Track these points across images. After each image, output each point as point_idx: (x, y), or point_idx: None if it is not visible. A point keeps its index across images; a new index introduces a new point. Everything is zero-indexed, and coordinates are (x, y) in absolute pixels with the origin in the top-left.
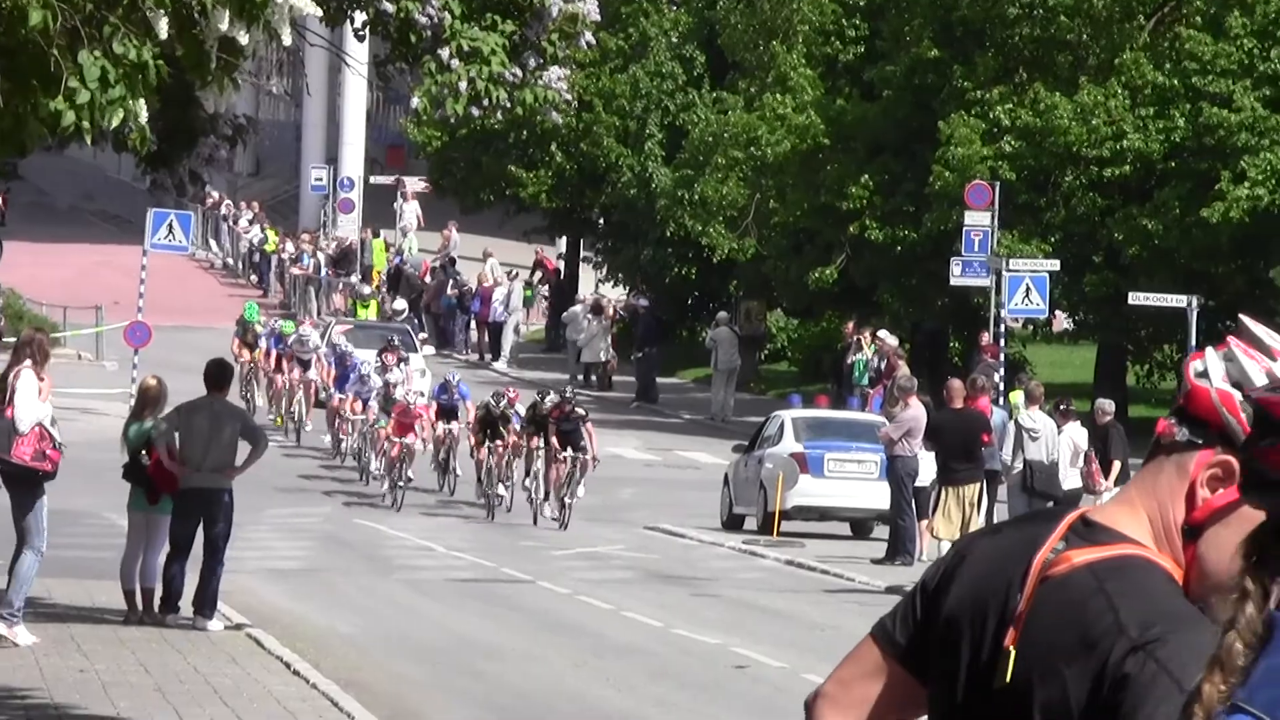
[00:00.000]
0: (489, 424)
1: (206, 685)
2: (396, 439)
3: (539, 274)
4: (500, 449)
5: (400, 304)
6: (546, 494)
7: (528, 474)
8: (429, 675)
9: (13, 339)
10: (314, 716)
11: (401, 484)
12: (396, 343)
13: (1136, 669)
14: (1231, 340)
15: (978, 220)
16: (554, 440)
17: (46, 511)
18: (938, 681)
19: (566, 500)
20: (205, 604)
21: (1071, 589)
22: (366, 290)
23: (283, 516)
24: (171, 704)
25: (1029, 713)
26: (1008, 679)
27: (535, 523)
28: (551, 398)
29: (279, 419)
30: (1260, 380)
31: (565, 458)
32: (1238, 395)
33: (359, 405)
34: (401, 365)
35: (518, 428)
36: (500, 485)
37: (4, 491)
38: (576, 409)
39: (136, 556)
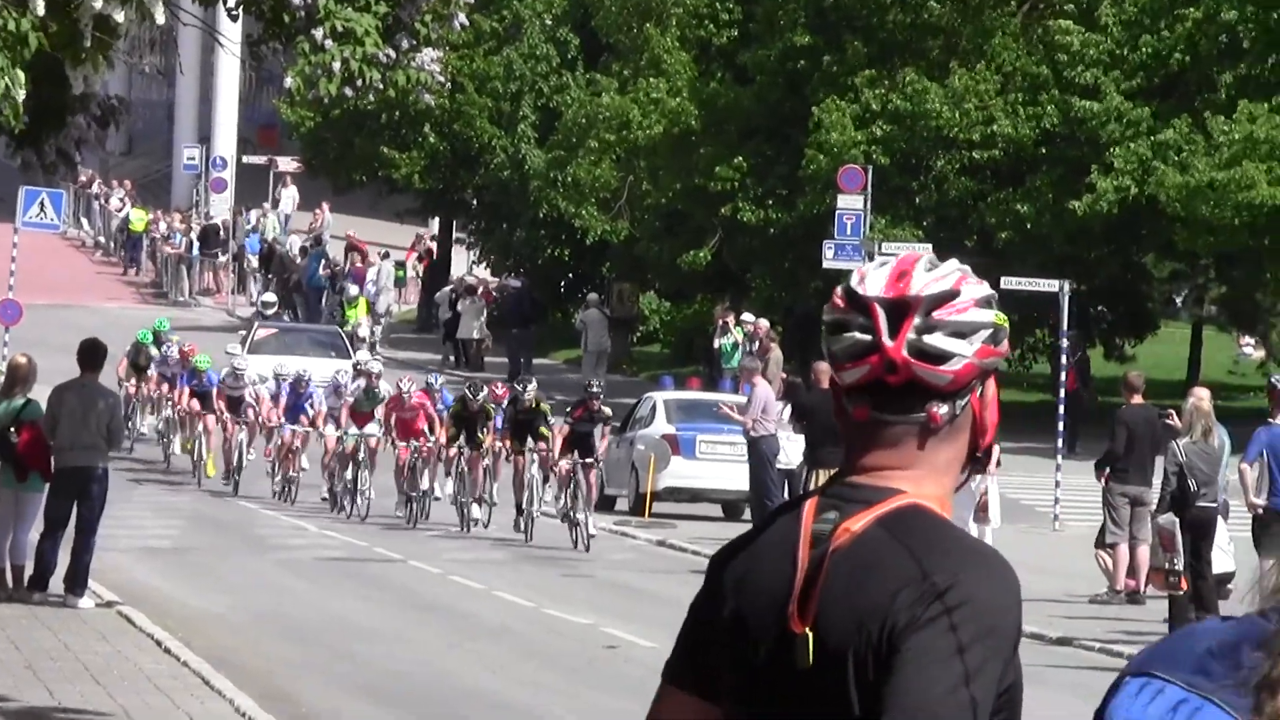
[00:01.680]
0: (464, 421)
1: (78, 662)
2: (401, 442)
3: (415, 253)
4: (476, 457)
5: (270, 297)
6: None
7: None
8: (301, 655)
9: None
10: (186, 695)
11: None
12: (367, 361)
13: (924, 622)
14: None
15: (850, 204)
16: (558, 444)
17: None
18: (732, 694)
19: (581, 518)
20: (77, 582)
21: (865, 552)
22: (354, 291)
23: (155, 493)
24: (42, 681)
25: (843, 687)
26: (809, 662)
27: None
28: (528, 394)
29: (187, 445)
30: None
31: (574, 465)
32: None
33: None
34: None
35: (498, 427)
36: (476, 505)
37: None
38: (603, 408)
39: (5, 534)
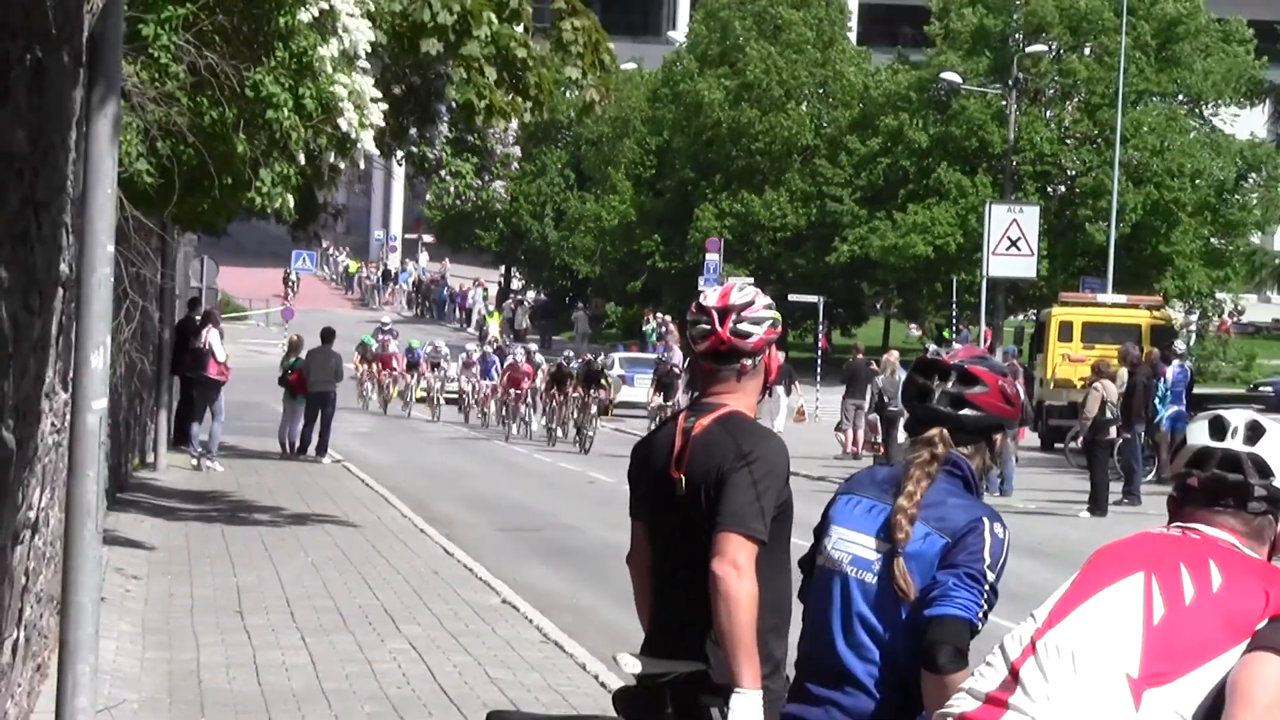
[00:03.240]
0: (558, 378)
1: (322, 491)
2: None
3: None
4: (562, 399)
5: (387, 318)
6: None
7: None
8: (430, 484)
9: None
10: (375, 507)
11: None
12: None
13: (737, 469)
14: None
15: (712, 258)
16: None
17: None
18: (651, 515)
19: None
20: (321, 449)
21: (709, 436)
22: (493, 308)
23: (365, 417)
24: (304, 500)
25: (700, 508)
26: (683, 491)
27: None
28: (597, 361)
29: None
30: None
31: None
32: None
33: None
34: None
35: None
36: (559, 429)
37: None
38: (674, 369)
39: (287, 425)
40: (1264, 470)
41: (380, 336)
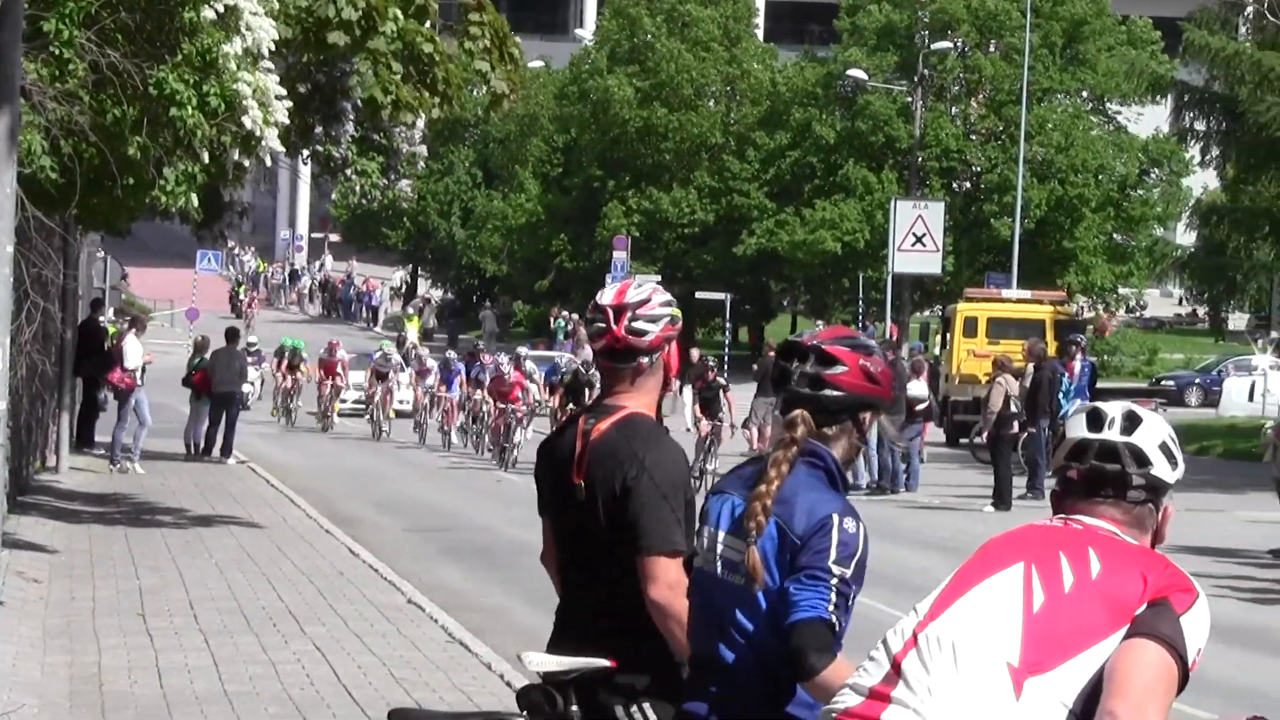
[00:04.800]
0: (575, 389)
1: (225, 491)
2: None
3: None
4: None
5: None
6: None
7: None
8: (344, 486)
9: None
10: (280, 507)
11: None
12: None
13: (638, 480)
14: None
15: (619, 256)
16: (696, 408)
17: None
18: (554, 515)
19: (707, 469)
20: (226, 450)
21: (607, 440)
22: (411, 310)
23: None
24: (208, 501)
25: (598, 513)
26: (583, 496)
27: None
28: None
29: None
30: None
31: (709, 425)
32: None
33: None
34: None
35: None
36: None
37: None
38: (718, 378)
39: (191, 426)
40: (1141, 459)
41: (331, 342)
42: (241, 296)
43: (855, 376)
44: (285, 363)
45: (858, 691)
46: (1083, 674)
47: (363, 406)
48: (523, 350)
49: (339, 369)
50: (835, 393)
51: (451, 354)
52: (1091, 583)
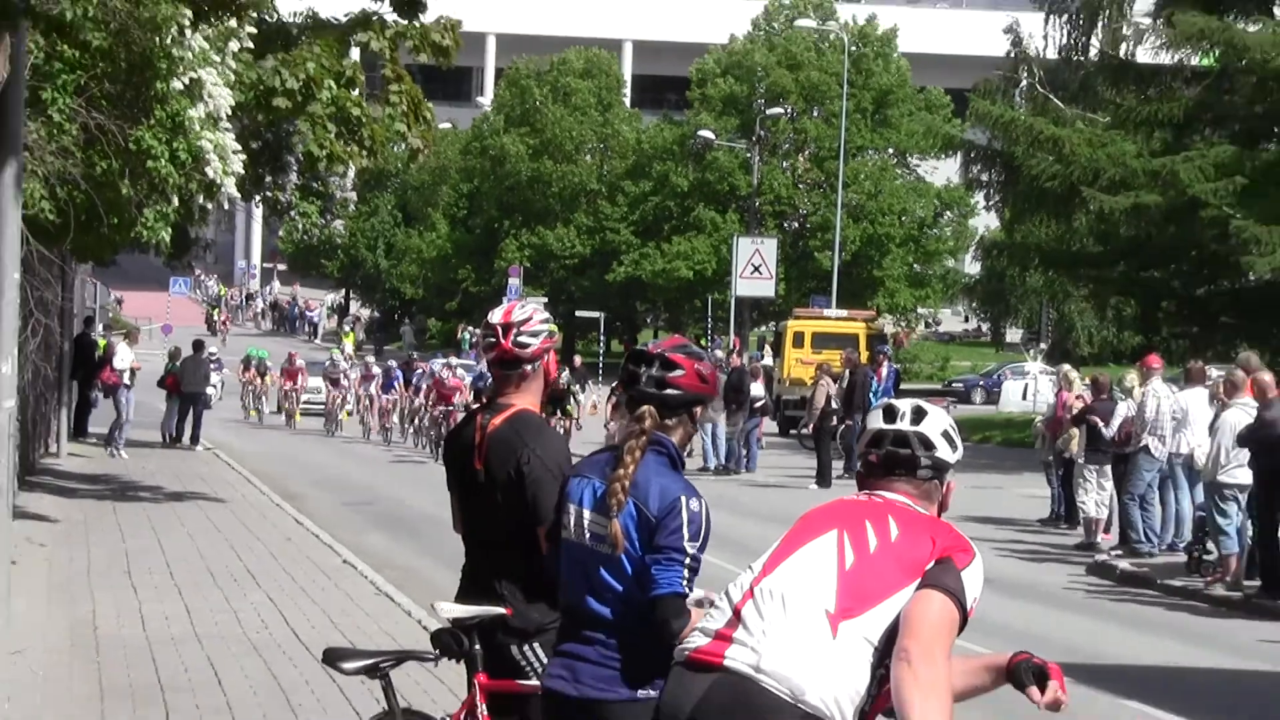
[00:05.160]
0: (556, 398)
1: (195, 474)
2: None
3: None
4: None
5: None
6: None
7: None
8: (294, 471)
9: (114, 329)
10: (240, 487)
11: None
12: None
13: (531, 465)
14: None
15: (515, 283)
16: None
17: (131, 403)
18: (459, 492)
19: None
20: (195, 439)
21: (501, 433)
22: (348, 327)
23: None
24: (181, 480)
25: (495, 491)
26: (483, 479)
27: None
28: (562, 380)
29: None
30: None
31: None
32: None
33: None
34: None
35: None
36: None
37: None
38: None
39: (167, 420)
40: (927, 444)
41: (290, 353)
42: (216, 317)
43: (691, 379)
44: (253, 369)
45: (706, 634)
46: (885, 618)
47: (322, 405)
48: (454, 360)
49: (299, 375)
50: (675, 392)
51: (392, 363)
52: (891, 545)
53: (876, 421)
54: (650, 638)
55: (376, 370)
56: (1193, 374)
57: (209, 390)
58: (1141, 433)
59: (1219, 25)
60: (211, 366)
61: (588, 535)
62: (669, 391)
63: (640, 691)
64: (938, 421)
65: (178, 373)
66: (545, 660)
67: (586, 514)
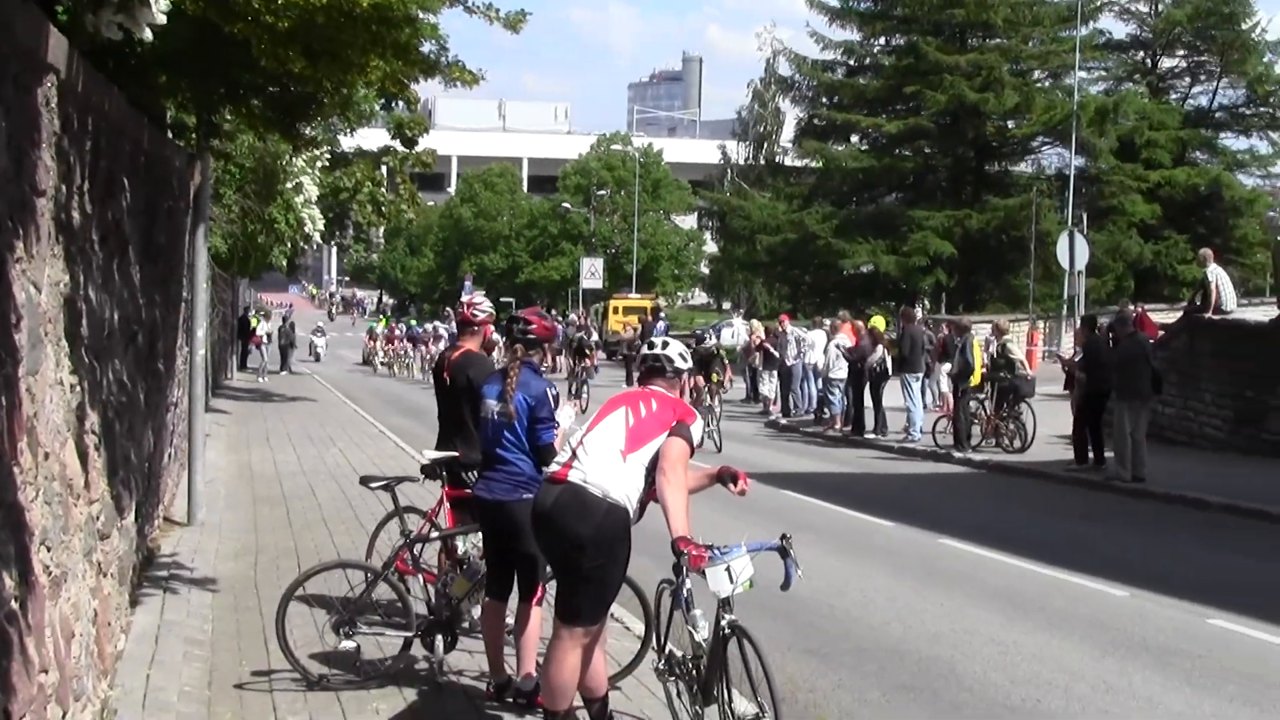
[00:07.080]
0: (578, 349)
1: (289, 386)
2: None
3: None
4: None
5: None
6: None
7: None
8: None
9: (258, 313)
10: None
11: None
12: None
13: (471, 378)
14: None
15: (468, 284)
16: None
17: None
18: (437, 393)
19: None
20: (288, 369)
21: (458, 360)
22: (384, 311)
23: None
24: (293, 390)
25: (457, 391)
26: (448, 385)
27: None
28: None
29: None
30: None
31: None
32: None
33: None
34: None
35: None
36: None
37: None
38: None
39: (262, 358)
40: (670, 360)
41: (391, 325)
42: (332, 310)
43: (540, 330)
44: (379, 336)
45: (558, 464)
46: (651, 451)
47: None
48: (439, 325)
49: (396, 340)
50: (533, 336)
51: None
52: (653, 413)
53: (646, 349)
54: (531, 466)
55: (443, 331)
56: (817, 323)
57: (317, 343)
58: (793, 354)
59: (822, 146)
60: (313, 333)
61: (494, 415)
62: (530, 336)
63: (525, 495)
64: (675, 348)
65: (277, 334)
66: (475, 479)
67: (494, 405)
